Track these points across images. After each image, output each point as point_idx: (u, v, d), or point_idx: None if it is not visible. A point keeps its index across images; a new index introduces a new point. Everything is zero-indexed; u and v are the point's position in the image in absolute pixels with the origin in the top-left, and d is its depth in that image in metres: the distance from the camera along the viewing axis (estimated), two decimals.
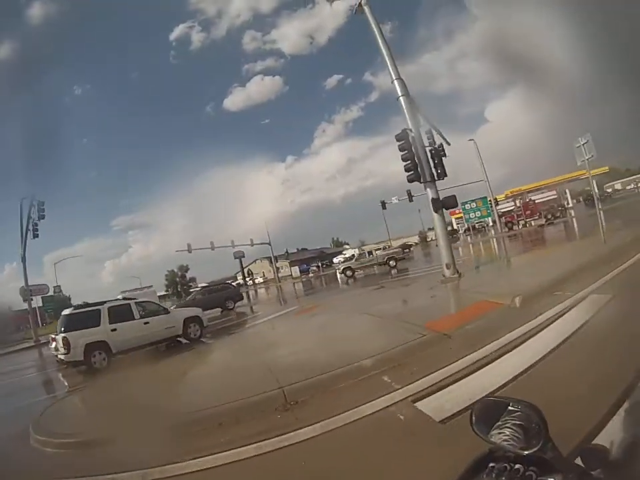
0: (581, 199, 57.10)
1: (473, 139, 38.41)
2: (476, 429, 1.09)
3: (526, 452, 0.96)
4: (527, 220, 38.94)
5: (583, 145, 12.11)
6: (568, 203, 52.13)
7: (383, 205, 43.17)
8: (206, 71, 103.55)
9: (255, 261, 67.43)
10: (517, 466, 0.97)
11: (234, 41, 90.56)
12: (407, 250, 46.29)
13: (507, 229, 39.39)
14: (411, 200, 33.82)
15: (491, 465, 0.99)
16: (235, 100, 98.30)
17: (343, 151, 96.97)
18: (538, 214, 39.02)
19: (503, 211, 46.17)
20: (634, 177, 61.98)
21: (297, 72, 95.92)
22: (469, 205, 41.91)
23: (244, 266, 56.67)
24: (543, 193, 58.20)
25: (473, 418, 1.11)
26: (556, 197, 54.93)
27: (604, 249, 10.83)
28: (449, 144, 12.42)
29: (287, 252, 66.76)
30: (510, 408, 1.04)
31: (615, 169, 74.11)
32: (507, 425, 1.01)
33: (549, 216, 38.26)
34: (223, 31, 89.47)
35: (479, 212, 41.79)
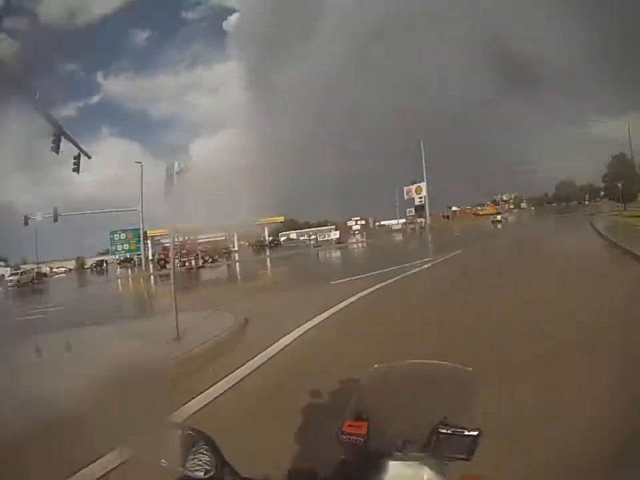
0: (247, 244, 58.24)
1: (140, 162, 35.40)
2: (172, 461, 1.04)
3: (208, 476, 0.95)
4: (183, 260, 35.18)
5: None
6: (234, 246, 51.62)
7: (26, 220, 35.39)
8: None
9: None
10: None
11: None
12: None
13: (159, 267, 35.74)
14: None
15: None
16: None
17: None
18: (195, 255, 36.19)
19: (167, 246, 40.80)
20: (308, 229, 66.98)
21: None
22: (118, 235, 37.15)
23: None
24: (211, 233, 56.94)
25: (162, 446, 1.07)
26: (224, 238, 54.55)
27: None
28: (88, 157, 13.35)
29: None
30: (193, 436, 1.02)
31: (292, 220, 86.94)
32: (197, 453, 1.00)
33: (207, 257, 36.88)
34: None
35: (127, 245, 37.69)
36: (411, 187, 57.97)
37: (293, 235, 65.16)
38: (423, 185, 56.14)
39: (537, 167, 74.68)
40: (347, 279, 12.22)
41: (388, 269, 12.92)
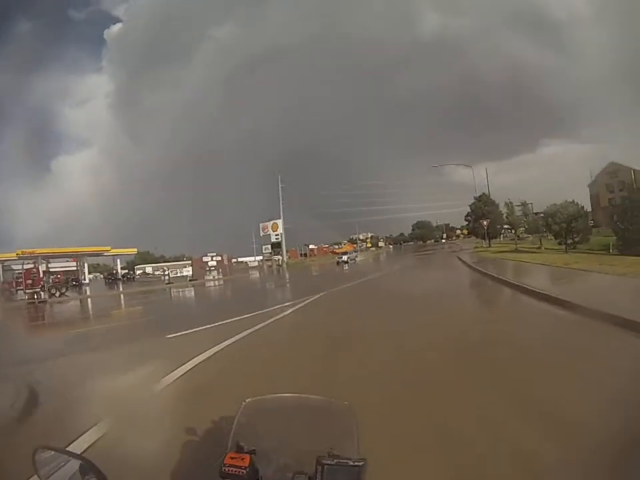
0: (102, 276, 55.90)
1: None
2: None
3: None
4: (28, 291, 31.20)
5: None
6: (85, 278, 47.48)
7: None
8: None
9: None
10: None
11: None
12: None
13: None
14: None
15: None
16: None
17: None
18: (41, 285, 32.04)
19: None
20: (165, 264, 63.14)
21: None
22: None
23: None
24: (63, 261, 48.15)
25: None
26: (75, 269, 46.08)
27: None
28: None
29: None
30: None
31: (148, 252, 79.92)
32: None
33: (53, 290, 33.00)
34: None
35: None
36: (267, 223, 57.68)
37: (149, 268, 62.47)
38: (280, 222, 55.79)
39: (394, 207, 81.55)
40: (190, 330, 9.26)
41: (242, 316, 10.48)
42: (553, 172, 76.61)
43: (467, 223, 48.62)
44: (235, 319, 10.15)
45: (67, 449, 1.13)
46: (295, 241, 67.62)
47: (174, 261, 70.82)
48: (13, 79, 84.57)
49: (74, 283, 42.98)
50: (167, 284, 34.21)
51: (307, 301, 12.86)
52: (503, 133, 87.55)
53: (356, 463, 1.00)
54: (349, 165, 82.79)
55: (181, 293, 27.47)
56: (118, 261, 52.51)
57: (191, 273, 37.22)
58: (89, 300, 29.26)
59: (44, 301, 29.20)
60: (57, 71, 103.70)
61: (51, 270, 45.13)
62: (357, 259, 46.87)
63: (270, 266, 56.81)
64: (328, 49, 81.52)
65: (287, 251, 62.18)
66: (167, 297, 25.37)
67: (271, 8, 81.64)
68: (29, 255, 40.71)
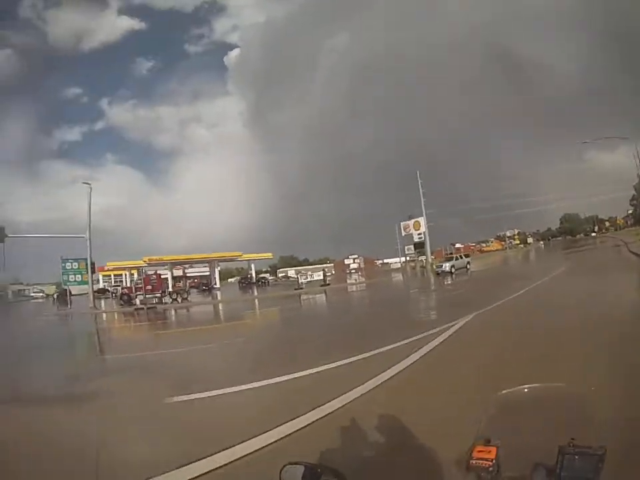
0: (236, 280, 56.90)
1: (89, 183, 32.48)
2: None
3: None
4: (148, 296, 29.77)
5: None
6: (216, 283, 46.76)
7: None
8: None
9: None
10: None
11: None
12: None
13: (122, 303, 31.20)
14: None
15: None
16: None
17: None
18: (162, 291, 30.97)
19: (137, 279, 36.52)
20: (308, 267, 65.76)
21: None
22: (70, 264, 32.54)
23: None
24: (192, 267, 52.52)
25: None
26: (208, 273, 49.71)
27: None
28: None
29: None
30: (322, 474, 1.09)
31: (291, 257, 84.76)
32: None
33: (175, 295, 31.68)
34: None
35: (79, 275, 32.67)
36: (408, 222, 52.41)
37: (291, 272, 62.93)
38: (422, 219, 50.52)
39: (539, 200, 70.25)
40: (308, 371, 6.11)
41: (393, 345, 7.20)
42: None
43: (631, 209, 35.96)
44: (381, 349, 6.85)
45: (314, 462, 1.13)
46: (438, 240, 61.65)
47: (317, 264, 73.40)
48: (147, 112, 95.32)
49: (204, 287, 44.07)
50: (295, 289, 30.63)
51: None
52: None
53: (596, 452, 0.99)
54: (489, 157, 73.35)
55: (312, 300, 24.43)
56: (252, 265, 53.14)
57: (322, 277, 34.45)
58: (208, 306, 28.88)
59: (159, 303, 29.03)
60: (185, 100, 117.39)
61: (187, 275, 49.85)
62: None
63: (413, 267, 51.84)
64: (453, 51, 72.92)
65: (431, 251, 56.72)
66: (298, 304, 22.60)
67: (377, 13, 77.31)
68: (156, 262, 41.69)
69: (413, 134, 76.14)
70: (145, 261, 42.14)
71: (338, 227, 77.01)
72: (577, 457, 0.97)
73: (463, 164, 74.43)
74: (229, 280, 65.64)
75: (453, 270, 30.84)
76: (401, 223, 53.44)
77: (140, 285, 30.88)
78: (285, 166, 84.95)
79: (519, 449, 1.11)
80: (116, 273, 54.05)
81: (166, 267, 42.37)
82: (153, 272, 35.33)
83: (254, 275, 52.43)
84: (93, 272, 32.94)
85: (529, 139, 79.07)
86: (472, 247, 76.96)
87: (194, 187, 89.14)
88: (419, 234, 50.90)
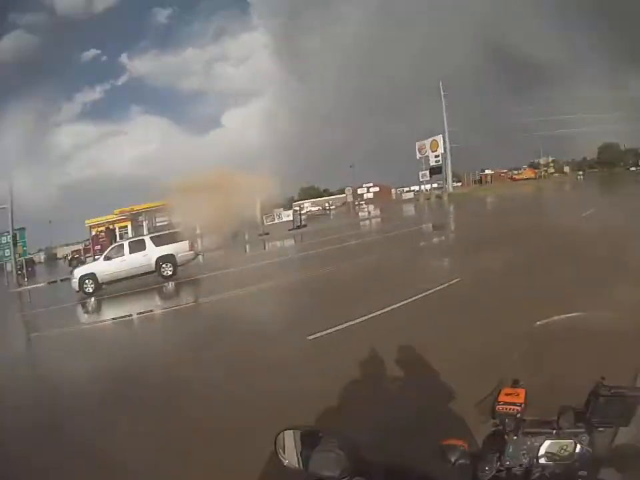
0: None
1: None
2: (288, 460, 1.09)
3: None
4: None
5: None
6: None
7: None
8: None
9: None
10: None
11: None
12: None
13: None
14: None
15: None
16: None
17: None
18: None
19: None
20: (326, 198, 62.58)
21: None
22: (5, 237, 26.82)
23: None
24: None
25: (281, 450, 1.10)
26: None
27: None
28: None
29: None
30: (322, 437, 1.04)
31: (312, 188, 79.14)
32: (323, 453, 1.00)
33: None
34: None
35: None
36: (424, 141, 42.89)
37: (307, 204, 57.77)
38: (439, 138, 40.99)
39: (576, 122, 59.52)
40: None
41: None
42: None
43: None
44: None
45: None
46: (465, 165, 52.33)
47: (338, 194, 67.65)
48: (171, 58, 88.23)
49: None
50: (259, 235, 24.00)
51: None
52: None
53: (630, 393, 0.95)
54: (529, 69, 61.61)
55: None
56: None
57: (291, 217, 26.62)
58: None
59: None
60: (207, 40, 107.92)
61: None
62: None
63: (428, 198, 43.29)
64: None
65: (455, 178, 47.77)
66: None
67: None
68: (127, 213, 34.33)
69: (444, 47, 64.54)
70: (115, 214, 34.78)
71: (362, 153, 69.37)
72: (608, 400, 0.92)
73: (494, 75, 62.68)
74: None
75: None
76: (416, 143, 43.95)
77: (89, 246, 26.14)
78: (315, 92, 79.02)
79: (548, 389, 1.08)
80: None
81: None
82: (104, 227, 30.20)
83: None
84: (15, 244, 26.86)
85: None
86: (502, 175, 67.97)
87: (223, 125, 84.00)
88: (436, 157, 41.80)
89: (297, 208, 32.14)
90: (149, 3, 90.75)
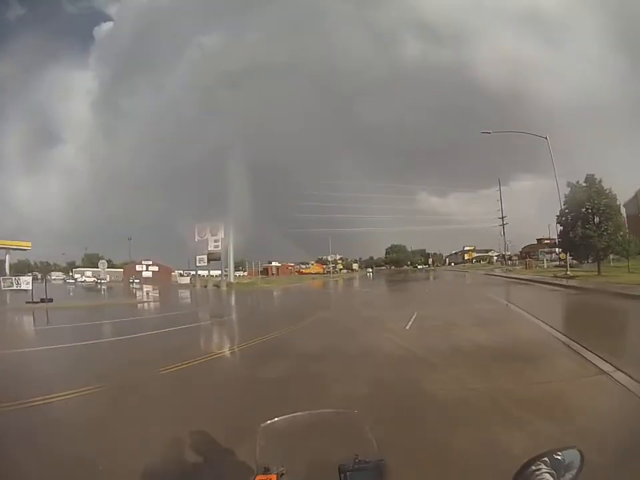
0: None
1: None
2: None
3: None
4: None
5: None
6: None
7: None
8: None
9: None
10: None
11: None
12: None
13: None
14: None
15: None
16: None
17: None
18: None
19: None
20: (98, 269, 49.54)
21: None
22: None
23: None
24: None
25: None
26: None
27: None
28: None
29: None
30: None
31: (96, 256, 67.25)
32: None
33: None
34: None
35: None
36: (205, 224, 40.09)
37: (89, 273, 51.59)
38: (221, 223, 39.03)
39: (365, 229, 69.40)
40: None
41: None
42: None
43: (558, 234, 29.21)
44: None
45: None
46: (250, 256, 51.89)
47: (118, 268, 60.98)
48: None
49: None
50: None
51: None
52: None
53: (375, 465, 1.04)
54: (318, 181, 72.02)
55: None
56: (7, 256, 38.38)
57: (30, 286, 19.50)
58: None
59: None
60: (43, 63, 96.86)
61: None
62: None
63: (204, 286, 39.37)
64: (305, 70, 76.04)
65: (237, 266, 45.72)
66: None
67: (256, 20, 74.56)
68: None
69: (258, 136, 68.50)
70: None
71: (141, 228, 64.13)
72: (357, 472, 1.01)
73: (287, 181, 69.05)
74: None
75: None
76: (196, 225, 40.76)
77: None
78: (119, 159, 77.65)
79: (303, 474, 1.12)
80: None
81: None
82: None
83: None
84: None
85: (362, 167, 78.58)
86: (290, 267, 71.23)
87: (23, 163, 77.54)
88: (215, 241, 39.16)
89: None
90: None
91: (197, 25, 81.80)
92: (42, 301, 18.54)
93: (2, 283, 18.53)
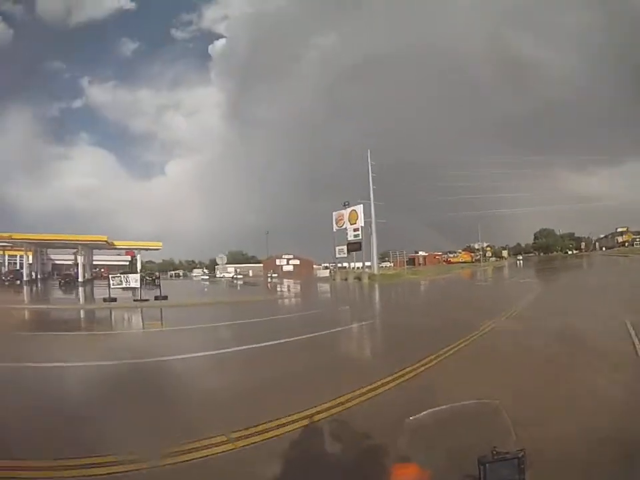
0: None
1: None
2: None
3: None
4: None
5: None
6: (78, 276, 33.19)
7: None
8: None
9: None
10: None
11: None
12: None
13: None
14: None
15: None
16: None
17: None
18: None
19: None
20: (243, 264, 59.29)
21: None
22: None
23: None
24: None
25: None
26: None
27: None
28: None
29: None
30: None
31: (240, 254, 74.54)
32: None
33: None
34: None
35: None
36: (342, 211, 36.26)
37: (231, 268, 51.97)
38: (359, 209, 34.59)
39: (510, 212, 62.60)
40: None
41: None
42: None
43: None
44: None
45: None
46: (391, 244, 46.97)
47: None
48: (127, 94, 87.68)
49: (62, 280, 32.33)
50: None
51: None
52: None
53: (514, 456, 1.03)
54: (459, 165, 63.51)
55: None
56: (139, 257, 40.21)
57: (138, 284, 17.79)
58: None
59: None
60: (165, 86, 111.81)
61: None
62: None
63: (344, 278, 35.91)
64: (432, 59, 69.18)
65: (382, 257, 40.98)
66: None
67: (367, 15, 71.36)
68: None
69: (391, 131, 64.62)
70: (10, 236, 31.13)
71: (299, 224, 66.30)
72: (497, 464, 1.01)
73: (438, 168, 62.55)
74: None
75: None
76: (333, 213, 37.31)
77: None
78: (257, 160, 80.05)
79: (442, 464, 1.12)
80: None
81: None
82: None
83: (139, 267, 36.94)
84: None
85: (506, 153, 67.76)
86: (437, 256, 64.87)
87: (165, 173, 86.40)
88: (355, 230, 35.06)
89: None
90: (119, 32, 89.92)
91: (309, 27, 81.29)
92: (156, 298, 17.22)
93: (111, 281, 17.31)
